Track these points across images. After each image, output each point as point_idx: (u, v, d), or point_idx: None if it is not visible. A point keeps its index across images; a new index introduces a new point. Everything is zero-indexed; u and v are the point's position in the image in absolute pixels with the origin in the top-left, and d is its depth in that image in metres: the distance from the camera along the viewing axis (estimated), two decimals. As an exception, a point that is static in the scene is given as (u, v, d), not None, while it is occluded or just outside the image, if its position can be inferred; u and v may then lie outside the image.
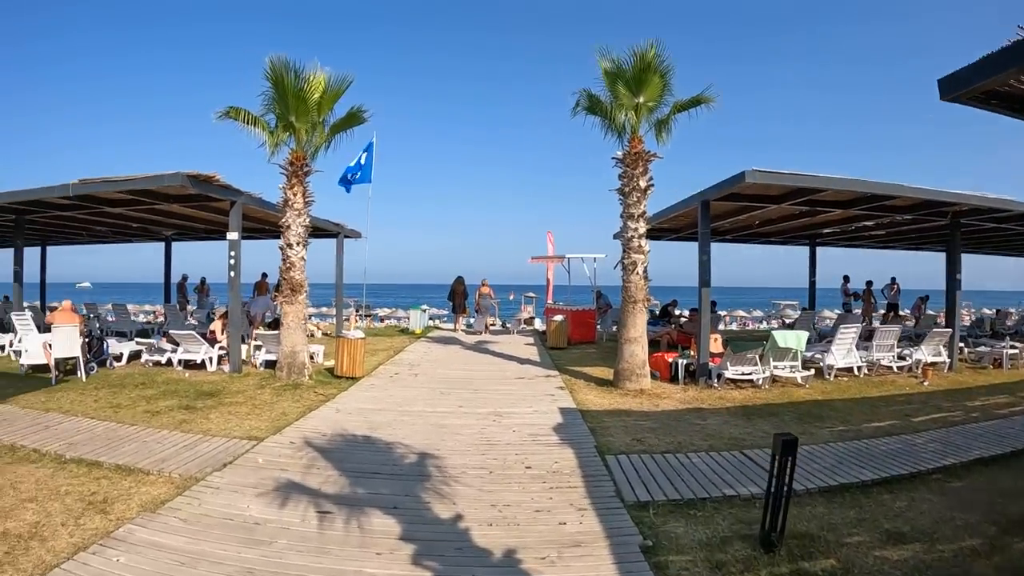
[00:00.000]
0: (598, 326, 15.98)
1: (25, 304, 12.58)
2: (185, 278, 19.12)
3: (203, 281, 19.59)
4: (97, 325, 10.61)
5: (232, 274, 9.82)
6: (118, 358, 10.41)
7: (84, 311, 15.22)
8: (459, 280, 17.77)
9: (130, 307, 20.93)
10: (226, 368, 9.75)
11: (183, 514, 4.02)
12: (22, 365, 9.24)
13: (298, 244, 9.41)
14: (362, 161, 16.08)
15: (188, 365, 9.90)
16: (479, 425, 6.54)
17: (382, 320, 27.29)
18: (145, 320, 21.06)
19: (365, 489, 4.56)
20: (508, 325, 20.24)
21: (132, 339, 12.09)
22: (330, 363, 10.25)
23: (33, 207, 11.29)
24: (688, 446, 5.80)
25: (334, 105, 9.48)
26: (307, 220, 9.52)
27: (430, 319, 22.20)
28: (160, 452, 5.34)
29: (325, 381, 9.12)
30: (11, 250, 12.19)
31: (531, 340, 15.37)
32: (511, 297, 29.90)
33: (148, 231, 16.16)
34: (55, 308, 10.52)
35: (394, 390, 8.52)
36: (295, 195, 9.36)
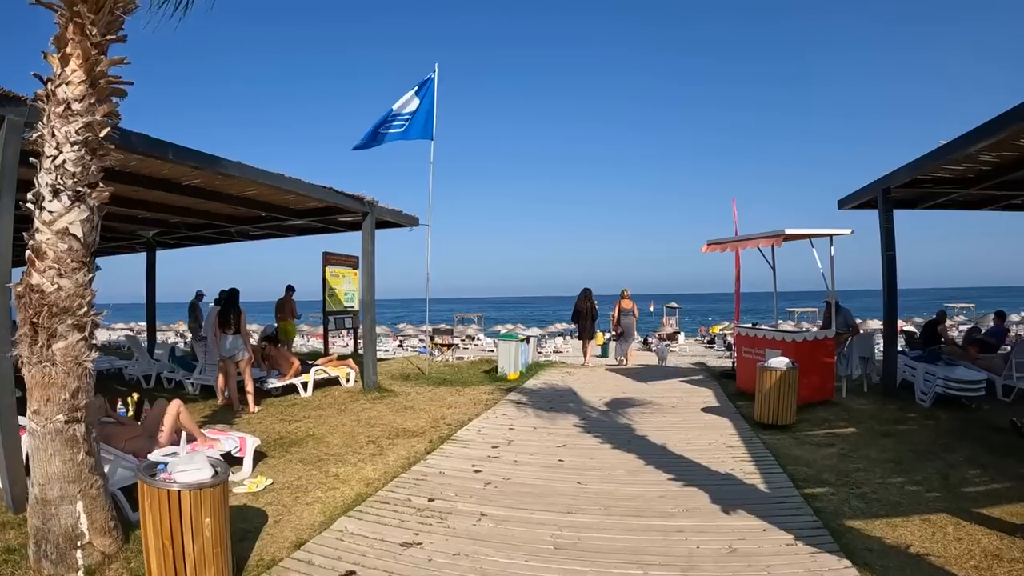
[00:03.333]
0: (836, 363, 8.15)
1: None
2: (200, 296, 13.84)
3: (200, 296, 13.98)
4: None
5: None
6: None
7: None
8: (586, 294, 12.40)
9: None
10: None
11: None
12: None
13: (58, 195, 3.11)
14: (411, 108, 10.14)
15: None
16: None
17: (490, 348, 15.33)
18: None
19: None
20: (650, 342, 15.71)
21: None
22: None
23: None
24: None
25: None
26: (101, 128, 3.25)
27: (559, 338, 17.26)
28: None
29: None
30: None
31: (705, 390, 8.96)
32: (651, 308, 24.00)
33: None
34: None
35: None
36: (64, 64, 3.13)
